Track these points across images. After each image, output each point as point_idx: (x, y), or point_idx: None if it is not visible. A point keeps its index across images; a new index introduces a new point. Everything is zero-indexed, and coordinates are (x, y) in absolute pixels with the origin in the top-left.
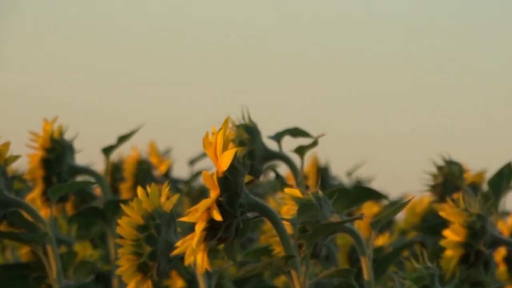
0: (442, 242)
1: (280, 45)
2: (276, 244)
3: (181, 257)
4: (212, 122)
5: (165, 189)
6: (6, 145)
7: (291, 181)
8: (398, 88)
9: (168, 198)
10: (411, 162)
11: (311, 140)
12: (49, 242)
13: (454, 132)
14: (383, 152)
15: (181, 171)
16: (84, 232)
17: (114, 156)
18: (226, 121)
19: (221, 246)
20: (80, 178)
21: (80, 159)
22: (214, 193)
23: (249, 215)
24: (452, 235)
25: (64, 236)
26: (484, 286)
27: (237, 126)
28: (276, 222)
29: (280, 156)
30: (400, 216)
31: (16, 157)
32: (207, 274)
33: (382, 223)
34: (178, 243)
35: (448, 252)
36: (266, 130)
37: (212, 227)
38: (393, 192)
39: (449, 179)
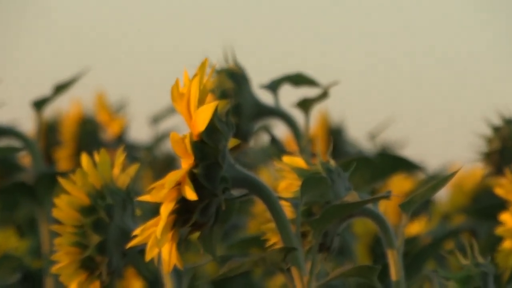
0: (499, 230)
1: None
2: (270, 233)
3: (140, 250)
4: (184, 66)
5: (119, 157)
6: None
7: (292, 146)
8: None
9: (123, 170)
10: (456, 122)
11: (320, 91)
12: None
13: None
14: (418, 109)
15: (140, 133)
16: (8, 215)
17: (49, 112)
18: (203, 65)
19: (196, 235)
20: (1, 143)
21: (2, 116)
22: (186, 163)
23: (234, 193)
24: None
25: None
26: None
27: (218, 72)
28: (271, 203)
29: (277, 113)
30: (443, 195)
31: None
32: (176, 273)
33: (417, 204)
34: (136, 231)
35: (507, 244)
36: (258, 78)
37: (183, 209)
38: (432, 162)
39: (509, 145)
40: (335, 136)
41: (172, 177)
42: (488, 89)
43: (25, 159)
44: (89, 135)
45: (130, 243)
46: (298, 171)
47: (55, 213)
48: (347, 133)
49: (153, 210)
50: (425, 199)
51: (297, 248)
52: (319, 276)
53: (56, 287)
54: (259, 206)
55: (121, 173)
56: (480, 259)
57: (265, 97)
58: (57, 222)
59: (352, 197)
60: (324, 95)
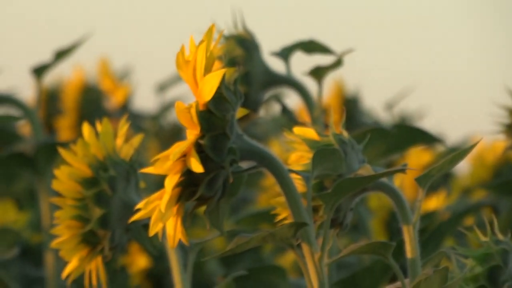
0: None
1: None
2: (280, 207)
3: (144, 225)
4: (190, 32)
5: (123, 127)
6: None
7: (304, 117)
8: None
9: (127, 140)
10: (476, 91)
11: (334, 59)
12: None
13: None
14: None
15: (145, 102)
16: (6, 187)
17: (49, 79)
18: (209, 31)
19: (202, 210)
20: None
21: (0, 83)
22: (192, 134)
23: (243, 165)
24: None
25: None
26: None
27: (227, 38)
28: (281, 176)
29: (289, 81)
30: (462, 169)
31: None
32: (182, 249)
33: (434, 178)
34: (140, 205)
35: None
36: (269, 46)
37: (189, 182)
38: (452, 134)
39: None
40: (349, 106)
41: (177, 148)
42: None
43: (24, 128)
44: (91, 103)
45: (133, 217)
46: (310, 142)
47: (55, 185)
48: (363, 103)
49: (158, 182)
50: (443, 172)
51: (308, 223)
52: (331, 253)
53: (56, 262)
54: (269, 179)
55: (124, 143)
56: (500, 236)
57: (276, 65)
58: (58, 194)
59: (365, 170)
60: (338, 63)
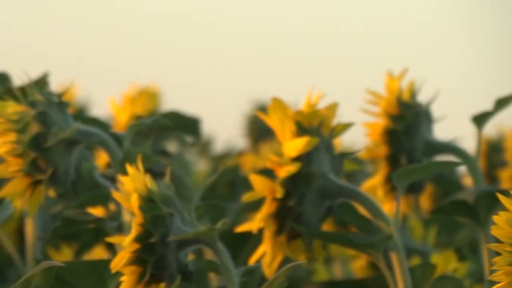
0: None
1: None
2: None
3: None
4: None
5: None
6: (332, 108)
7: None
8: None
9: None
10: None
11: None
12: (395, 250)
13: None
14: None
15: None
16: (447, 237)
17: (491, 128)
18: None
19: None
20: (440, 159)
21: (440, 131)
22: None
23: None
24: None
25: (416, 243)
26: None
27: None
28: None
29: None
30: None
31: (346, 126)
32: None
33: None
34: None
35: None
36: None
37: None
38: None
39: None
40: None
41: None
42: None
43: (465, 179)
44: None
45: None
46: None
47: (494, 231)
48: None
49: None
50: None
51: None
52: None
53: None
54: None
55: None
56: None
57: None
58: (497, 241)
59: None
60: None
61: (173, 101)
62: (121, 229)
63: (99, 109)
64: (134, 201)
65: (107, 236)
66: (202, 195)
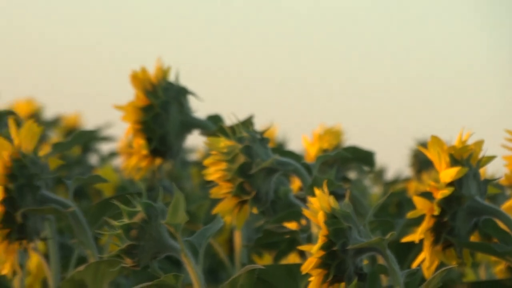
0: None
1: None
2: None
3: None
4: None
5: None
6: (479, 144)
7: None
8: None
9: None
10: None
11: None
12: None
13: None
14: None
15: None
16: None
17: None
18: None
19: None
20: None
21: None
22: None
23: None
24: None
25: None
26: None
27: None
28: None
29: None
30: None
31: (490, 158)
32: None
33: None
34: None
35: None
36: None
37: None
38: None
39: None
40: None
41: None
42: None
43: None
44: None
45: None
46: None
47: None
48: None
49: None
50: None
51: None
52: None
53: None
54: None
55: None
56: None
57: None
58: None
59: None
60: None
61: (353, 138)
62: (310, 239)
63: (294, 145)
64: (321, 217)
65: (299, 245)
66: (375, 213)
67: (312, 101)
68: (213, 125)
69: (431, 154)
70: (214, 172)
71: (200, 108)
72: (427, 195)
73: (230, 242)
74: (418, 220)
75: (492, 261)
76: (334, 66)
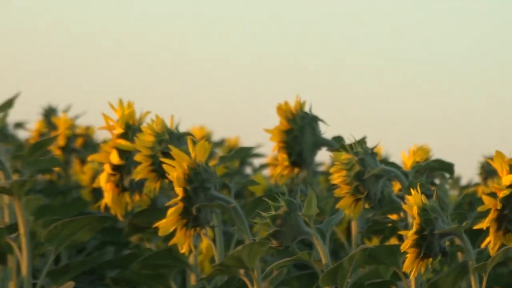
0: None
1: None
2: None
3: None
4: None
5: None
6: None
7: None
8: None
9: None
10: None
11: None
12: None
13: None
14: None
15: None
16: None
17: None
18: None
19: None
20: None
21: None
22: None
23: None
24: None
25: None
26: None
27: None
28: None
29: None
30: None
31: None
32: None
33: None
34: None
35: None
36: None
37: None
38: None
39: None
40: None
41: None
42: None
43: None
44: None
45: None
46: None
47: None
48: None
49: None
50: None
51: None
52: None
53: None
54: None
55: None
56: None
57: None
58: None
59: None
60: None
61: (438, 153)
62: (406, 227)
63: (395, 158)
64: (415, 210)
65: (399, 231)
66: (453, 208)
67: (406, 124)
68: (336, 143)
69: (495, 164)
70: (337, 178)
71: (327, 130)
72: (492, 195)
73: (348, 229)
74: (485, 213)
75: None
76: (425, 95)
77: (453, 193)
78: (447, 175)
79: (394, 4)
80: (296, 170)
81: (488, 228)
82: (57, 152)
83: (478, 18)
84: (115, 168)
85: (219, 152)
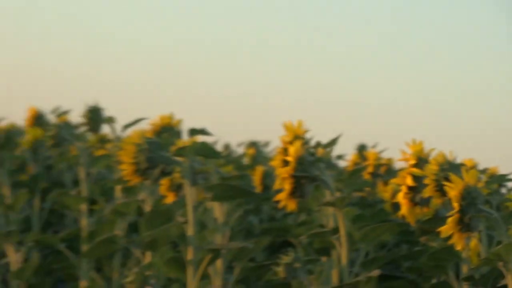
0: None
1: None
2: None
3: None
4: None
5: None
6: None
7: None
8: None
9: None
10: None
11: None
12: None
13: None
14: None
15: None
16: None
17: None
18: None
19: None
20: None
21: None
22: None
23: None
24: None
25: None
26: None
27: None
28: None
29: None
30: None
31: None
32: None
33: None
34: None
35: None
36: None
37: None
38: None
39: None
40: None
41: None
42: None
43: None
44: None
45: None
46: None
47: None
48: None
49: None
50: None
51: None
52: None
53: None
54: None
55: None
56: None
57: None
58: None
59: None
60: None
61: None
62: None
63: None
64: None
65: None
66: None
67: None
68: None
69: None
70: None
71: None
72: None
73: None
74: None
75: None
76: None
77: None
78: None
79: None
80: None
81: None
82: (367, 177)
83: None
84: (410, 188)
85: (484, 177)
